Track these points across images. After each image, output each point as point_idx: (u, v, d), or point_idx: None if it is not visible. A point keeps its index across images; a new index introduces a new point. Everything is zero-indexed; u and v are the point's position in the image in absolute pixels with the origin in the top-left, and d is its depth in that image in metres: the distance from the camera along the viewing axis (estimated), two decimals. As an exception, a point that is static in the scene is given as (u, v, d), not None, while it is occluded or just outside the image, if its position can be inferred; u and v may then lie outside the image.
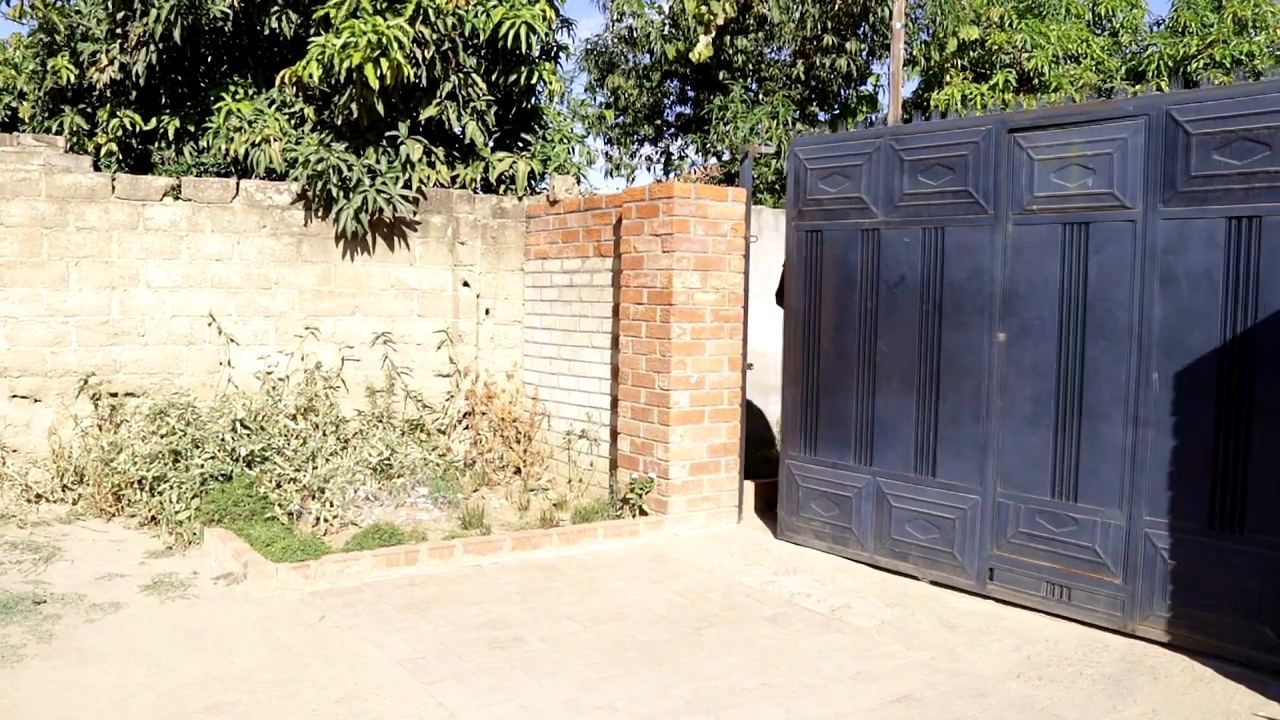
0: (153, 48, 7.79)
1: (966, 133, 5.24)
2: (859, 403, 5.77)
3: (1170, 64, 14.32)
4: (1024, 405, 5.02)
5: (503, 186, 8.27)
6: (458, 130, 7.93)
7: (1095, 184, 4.75)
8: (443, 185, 7.85)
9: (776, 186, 12.89)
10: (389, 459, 6.65)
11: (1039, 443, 4.96)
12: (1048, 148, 4.92)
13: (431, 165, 7.76)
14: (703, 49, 12.57)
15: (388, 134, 7.58)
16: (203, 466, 6.08)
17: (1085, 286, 4.79)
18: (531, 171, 8.23)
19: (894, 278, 5.59)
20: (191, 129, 8.23)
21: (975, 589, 5.21)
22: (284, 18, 7.94)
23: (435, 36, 7.39)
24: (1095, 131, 4.75)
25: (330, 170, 7.09)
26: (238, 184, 7.17)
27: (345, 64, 7.05)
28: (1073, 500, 4.84)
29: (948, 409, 5.33)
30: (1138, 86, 14.06)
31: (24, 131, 8.33)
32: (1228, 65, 13.48)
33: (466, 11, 7.59)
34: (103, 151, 8.11)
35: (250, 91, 8.12)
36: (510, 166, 8.12)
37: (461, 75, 7.73)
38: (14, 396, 6.58)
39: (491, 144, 8.42)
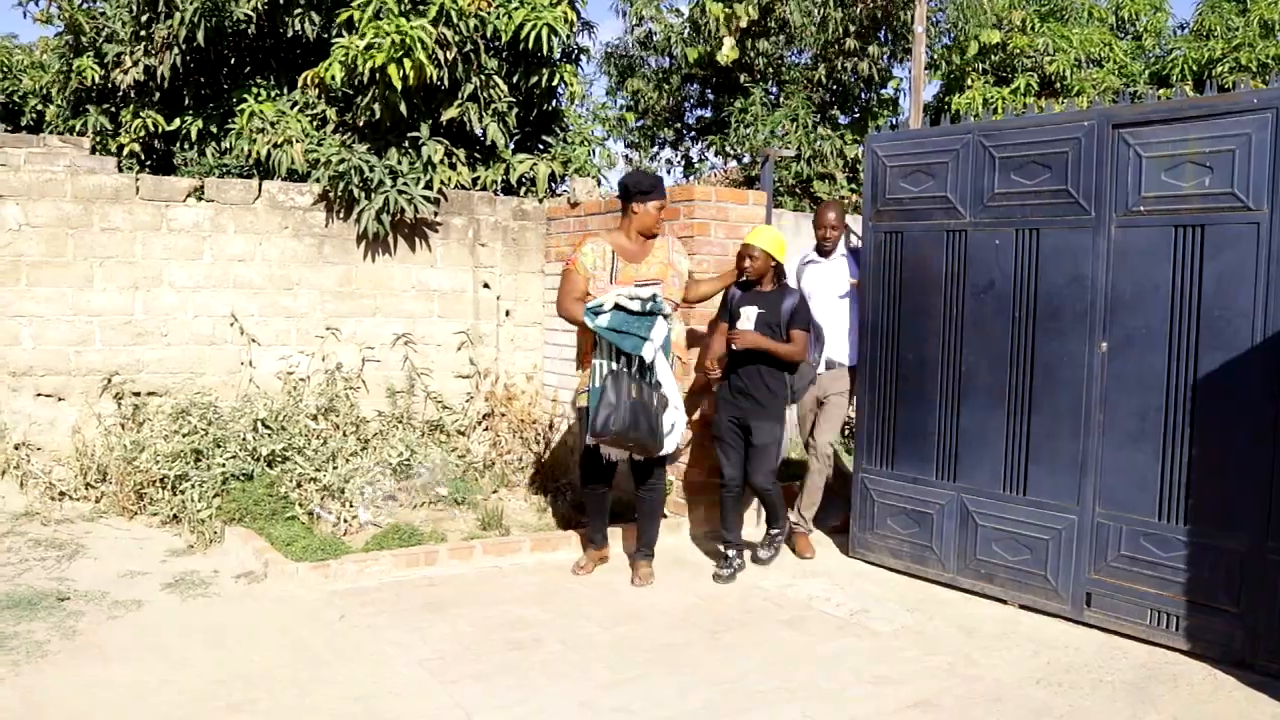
0: (176, 49, 7.84)
1: (1066, 128, 4.88)
2: (942, 415, 5.43)
3: (1195, 68, 14.24)
4: (1128, 420, 4.68)
5: (523, 188, 8.28)
6: (479, 132, 7.96)
7: (1213, 183, 4.38)
8: (464, 187, 7.87)
9: (796, 190, 12.88)
10: (409, 459, 6.66)
11: (1144, 460, 4.62)
12: (1159, 144, 4.55)
13: (453, 167, 7.79)
14: (728, 51, 12.56)
15: (409, 135, 7.61)
16: (224, 466, 6.12)
17: (1199, 293, 4.43)
18: (552, 173, 8.24)
19: (982, 282, 5.24)
20: (214, 130, 8.28)
21: (1070, 614, 4.89)
22: (306, 19, 7.99)
23: (457, 38, 7.42)
24: (1214, 126, 4.37)
25: (352, 171, 7.12)
26: (260, 185, 7.21)
27: (369, 65, 7.09)
28: (1182, 522, 4.51)
29: (1042, 422, 4.99)
30: (1163, 90, 13.98)
31: (49, 133, 8.40)
32: (1254, 69, 13.39)
33: (488, 13, 7.61)
34: (125, 152, 8.18)
35: (272, 93, 8.17)
36: (531, 168, 8.13)
37: (483, 77, 7.75)
38: (39, 395, 6.64)
39: (512, 146, 8.43)
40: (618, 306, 5.05)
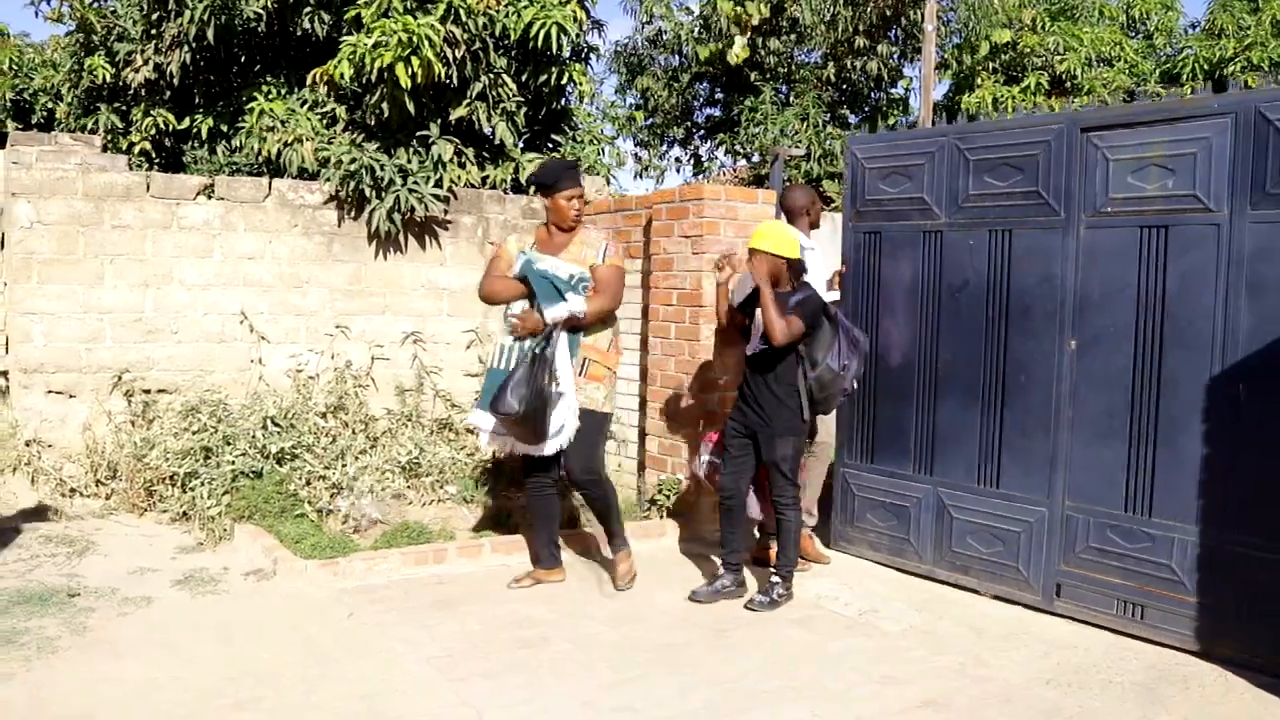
0: (187, 48, 7.87)
1: (1037, 131, 4.99)
2: (919, 411, 5.52)
3: (1206, 67, 14.19)
4: (1096, 416, 4.79)
5: (532, 187, 8.29)
6: (488, 131, 7.96)
7: (1176, 185, 4.49)
8: (473, 185, 7.88)
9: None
10: (418, 458, 6.67)
11: (1111, 455, 4.72)
12: (1125, 147, 4.66)
13: (462, 165, 7.80)
14: (739, 50, 12.56)
15: (419, 134, 7.62)
16: (234, 463, 6.13)
17: (1164, 293, 4.53)
18: (562, 172, 8.23)
19: (958, 282, 5.34)
20: (224, 129, 8.30)
21: (1041, 605, 4.99)
22: (316, 18, 7.99)
23: (466, 36, 7.42)
24: (1177, 130, 4.49)
25: (363, 170, 7.13)
26: (270, 183, 7.23)
27: (376, 63, 7.09)
28: (1147, 515, 4.61)
29: (1014, 418, 5.10)
30: (1172, 89, 13.93)
31: (60, 131, 8.43)
32: (1265, 68, 13.34)
33: (497, 12, 7.62)
34: (136, 150, 8.21)
35: (282, 91, 8.18)
36: (540, 167, 8.14)
37: (492, 75, 7.75)
38: (49, 392, 6.66)
39: (521, 144, 8.44)
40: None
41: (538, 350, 4.82)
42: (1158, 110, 4.67)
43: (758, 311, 5.00)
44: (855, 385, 5.23)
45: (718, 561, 5.42)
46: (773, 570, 5.14)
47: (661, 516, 6.35)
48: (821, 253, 5.85)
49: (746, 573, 5.31)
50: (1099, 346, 4.78)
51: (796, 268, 5.00)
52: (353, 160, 7.15)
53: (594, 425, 5.01)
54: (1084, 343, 4.84)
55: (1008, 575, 5.14)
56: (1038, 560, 5.02)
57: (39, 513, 6.17)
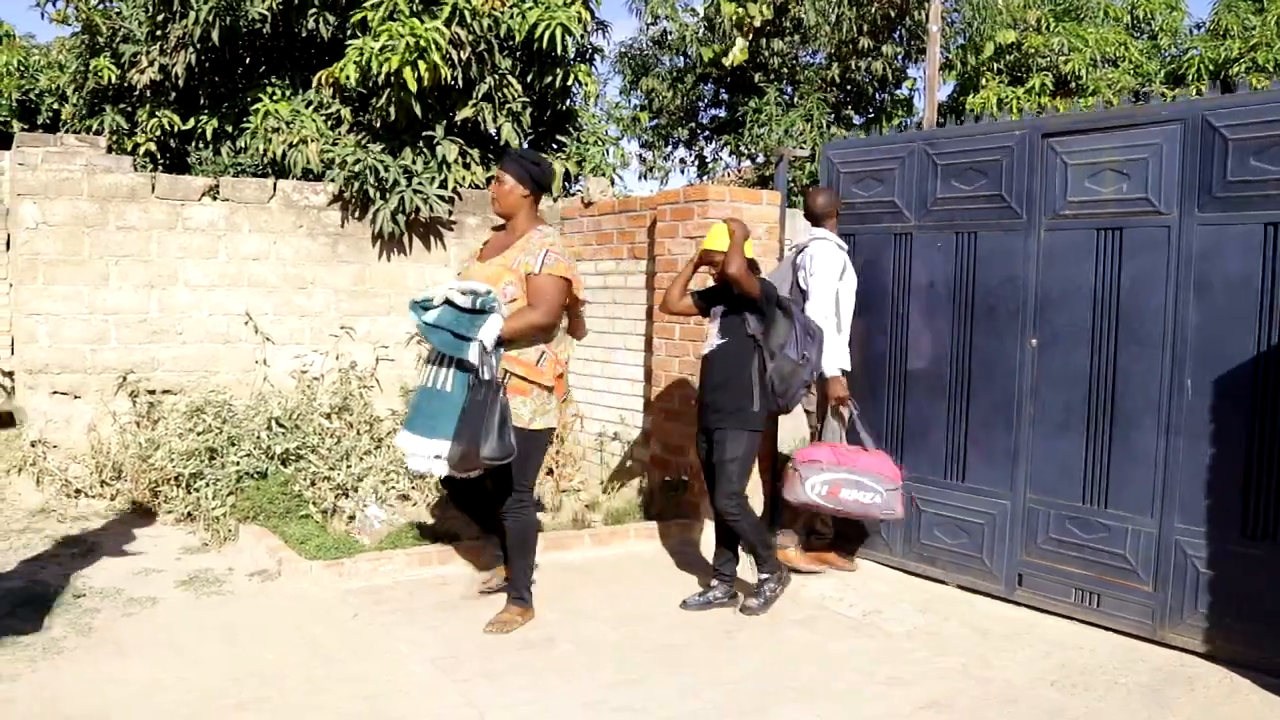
0: (192, 49, 7.88)
1: (1001, 137, 5.16)
2: (889, 408, 5.69)
3: (1211, 68, 14.16)
4: (1056, 412, 4.95)
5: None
6: (493, 131, 7.97)
7: (1130, 189, 4.66)
8: (478, 186, 7.88)
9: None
10: (422, 458, 6.67)
11: (1070, 449, 4.89)
12: (1082, 152, 4.84)
13: (467, 166, 7.80)
14: (738, 53, 12.55)
15: (424, 135, 7.63)
16: (238, 464, 6.14)
17: (1118, 293, 4.70)
18: (566, 173, 8.25)
19: (925, 282, 5.52)
20: (229, 130, 8.31)
21: (1004, 594, 5.15)
22: (321, 19, 8.00)
23: (471, 38, 7.42)
24: (1130, 136, 4.66)
25: (367, 171, 7.14)
26: (275, 184, 7.24)
27: (384, 68, 7.10)
28: (1103, 507, 4.77)
29: (978, 414, 5.26)
30: (1177, 90, 13.92)
31: (66, 132, 8.45)
32: (1271, 69, 13.31)
33: (502, 13, 7.62)
34: (141, 151, 8.22)
35: (287, 93, 8.19)
36: (544, 168, 8.14)
37: (497, 77, 7.76)
38: (54, 393, 6.68)
39: (526, 145, 8.44)
40: (448, 302, 4.29)
41: (476, 394, 4.22)
42: (1113, 116, 4.84)
43: (713, 310, 5.04)
44: (815, 377, 5.18)
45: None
46: (757, 578, 5.05)
47: (665, 517, 6.34)
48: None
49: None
50: (1058, 345, 4.95)
51: (751, 264, 4.94)
52: (357, 161, 7.16)
53: (519, 441, 4.33)
54: (1044, 341, 5.01)
55: (972, 566, 5.32)
56: (1000, 551, 5.19)
57: (44, 513, 6.18)
